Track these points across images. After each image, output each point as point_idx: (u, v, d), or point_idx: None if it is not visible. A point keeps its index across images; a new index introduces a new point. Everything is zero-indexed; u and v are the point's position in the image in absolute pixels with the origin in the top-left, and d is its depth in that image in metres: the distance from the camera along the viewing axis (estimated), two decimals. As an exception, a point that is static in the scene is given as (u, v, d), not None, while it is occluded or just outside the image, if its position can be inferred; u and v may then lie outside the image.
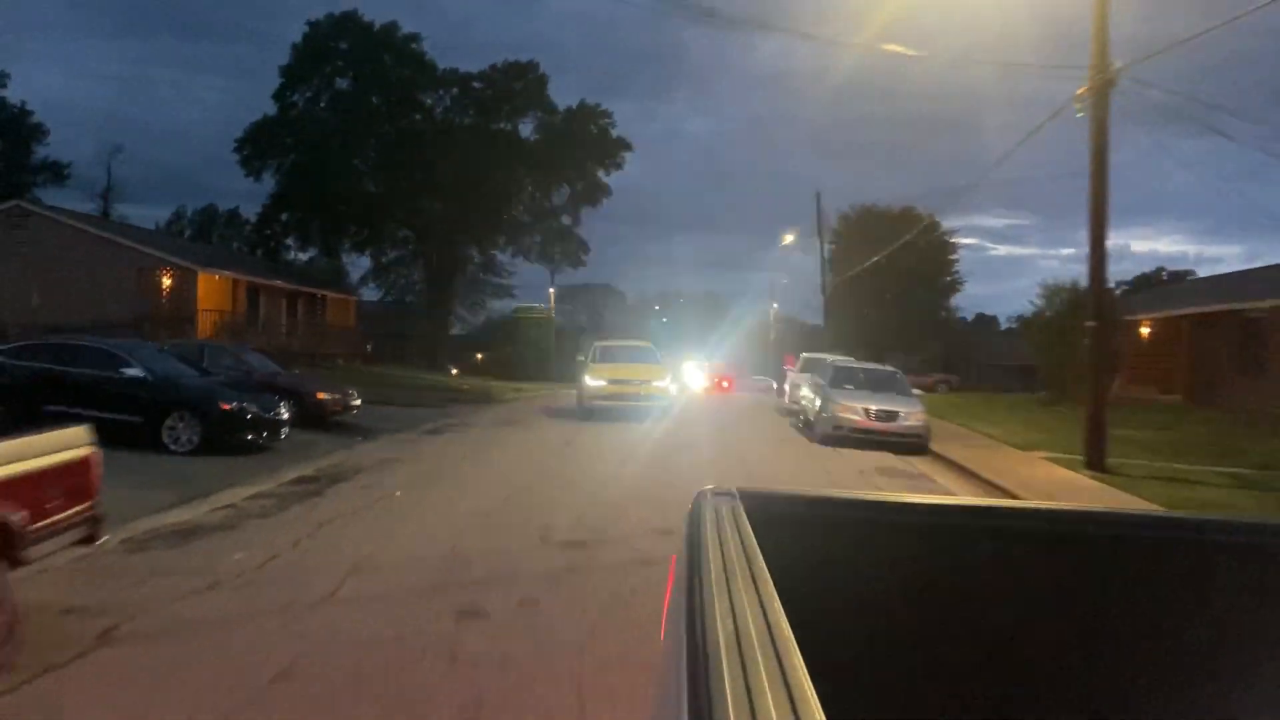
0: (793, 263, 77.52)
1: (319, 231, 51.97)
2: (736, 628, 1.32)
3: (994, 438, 19.34)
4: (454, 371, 48.59)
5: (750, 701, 1.10)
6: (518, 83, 52.32)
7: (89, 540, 6.10)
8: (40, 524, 5.36)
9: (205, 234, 72.64)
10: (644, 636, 5.24)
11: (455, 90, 52.41)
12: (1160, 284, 64.13)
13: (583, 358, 22.87)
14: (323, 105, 51.16)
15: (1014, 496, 11.52)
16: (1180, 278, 65.66)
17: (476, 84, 52.31)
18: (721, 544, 1.82)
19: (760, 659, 1.22)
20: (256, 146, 49.64)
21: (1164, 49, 14.35)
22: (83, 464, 5.94)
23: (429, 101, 52.78)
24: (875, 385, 19.70)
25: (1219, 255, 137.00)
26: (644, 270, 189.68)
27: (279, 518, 9.48)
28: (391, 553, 8.01)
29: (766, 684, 1.14)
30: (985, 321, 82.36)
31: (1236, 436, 19.23)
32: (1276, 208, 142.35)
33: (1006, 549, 2.37)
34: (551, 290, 62.83)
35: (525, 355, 51.33)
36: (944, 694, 2.29)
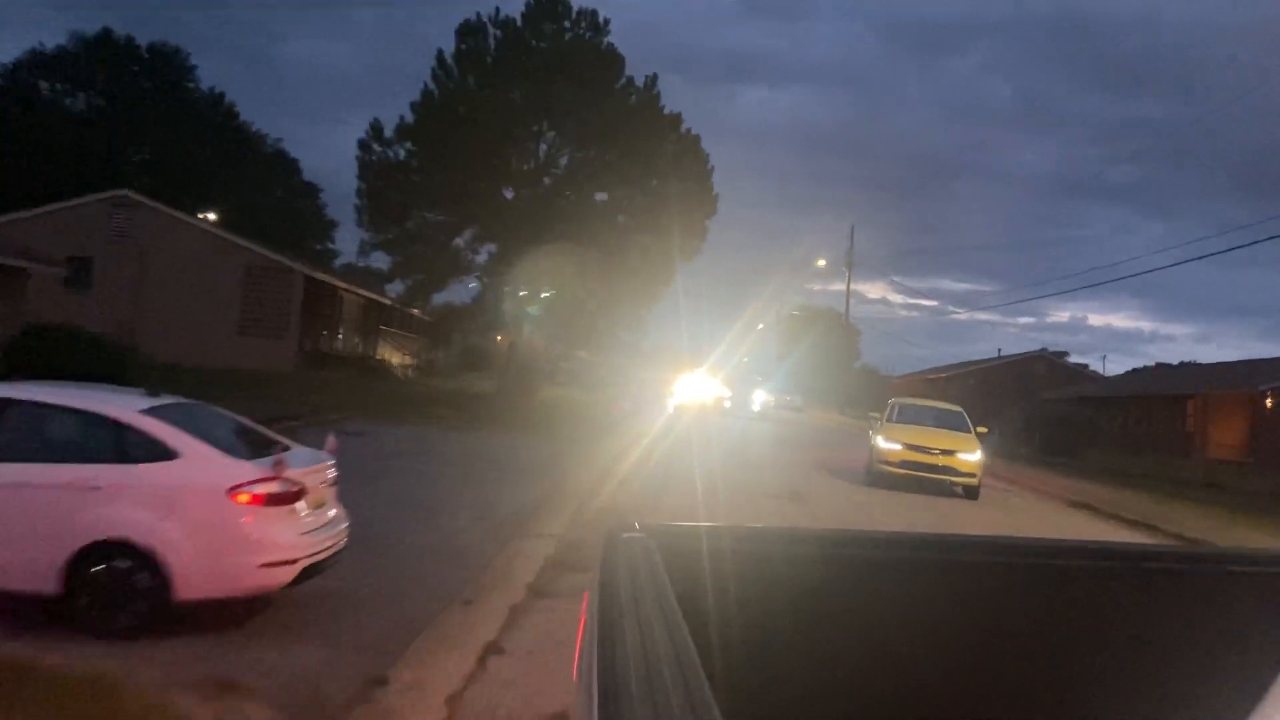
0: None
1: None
2: (647, 662, 1.37)
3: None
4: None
5: None
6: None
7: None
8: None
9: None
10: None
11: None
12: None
13: (877, 415, 20.55)
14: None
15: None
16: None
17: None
18: (632, 580, 1.85)
19: (670, 692, 1.27)
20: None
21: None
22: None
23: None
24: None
25: (1171, 333, 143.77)
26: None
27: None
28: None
29: (678, 717, 1.20)
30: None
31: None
32: (1221, 293, 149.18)
33: (918, 577, 2.42)
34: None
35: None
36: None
